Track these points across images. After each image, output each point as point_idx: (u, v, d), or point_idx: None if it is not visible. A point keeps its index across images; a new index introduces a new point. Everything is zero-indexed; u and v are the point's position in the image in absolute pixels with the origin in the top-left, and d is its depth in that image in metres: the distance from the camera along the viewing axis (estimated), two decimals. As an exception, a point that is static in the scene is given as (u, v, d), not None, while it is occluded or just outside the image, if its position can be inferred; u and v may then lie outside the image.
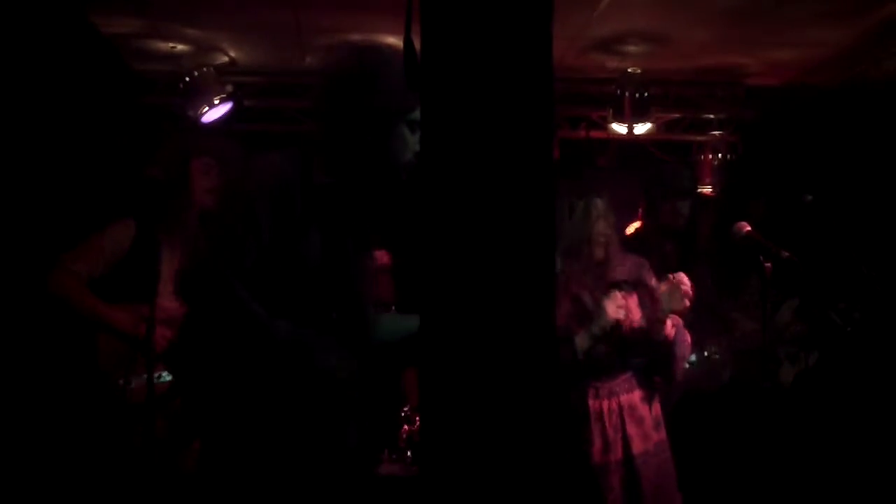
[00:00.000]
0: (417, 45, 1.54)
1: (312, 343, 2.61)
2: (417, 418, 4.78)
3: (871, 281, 4.17)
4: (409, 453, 4.81)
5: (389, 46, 2.77)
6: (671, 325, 3.57)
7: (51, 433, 4.72)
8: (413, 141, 2.66)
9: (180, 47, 5.66)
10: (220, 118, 5.89)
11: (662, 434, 3.76)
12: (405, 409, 4.92)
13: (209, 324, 2.61)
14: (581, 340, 3.56)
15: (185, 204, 4.22)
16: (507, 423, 1.47)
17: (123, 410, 4.02)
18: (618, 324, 3.56)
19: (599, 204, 3.75)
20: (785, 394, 4.39)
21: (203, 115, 5.84)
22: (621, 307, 3.56)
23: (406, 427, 4.87)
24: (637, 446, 3.64)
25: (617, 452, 3.62)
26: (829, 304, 4.32)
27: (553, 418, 1.49)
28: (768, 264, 3.42)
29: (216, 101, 5.85)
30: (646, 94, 5.99)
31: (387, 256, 5.33)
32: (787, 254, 3.42)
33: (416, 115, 2.62)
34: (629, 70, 5.93)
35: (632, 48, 5.64)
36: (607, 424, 3.64)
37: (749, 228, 3.58)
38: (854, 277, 4.21)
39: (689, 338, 3.67)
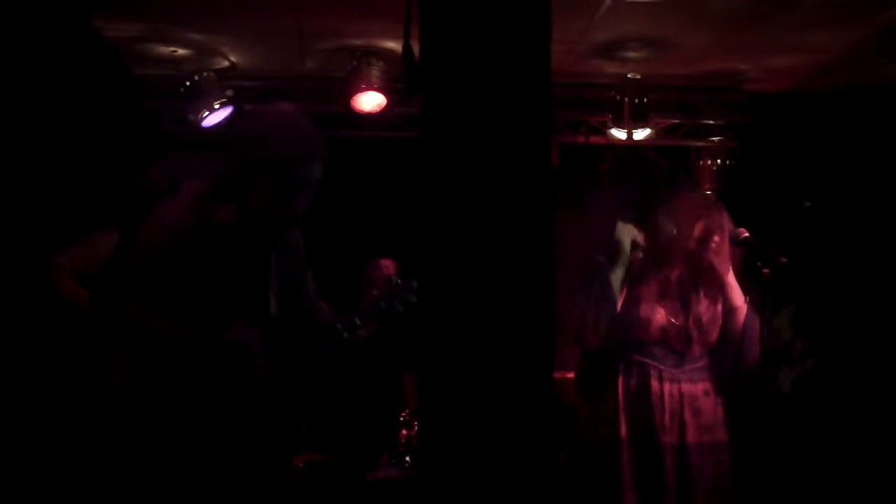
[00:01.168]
0: (416, 49, 1.54)
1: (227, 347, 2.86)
2: (416, 423, 4.78)
3: (869, 286, 4.17)
4: (407, 458, 4.82)
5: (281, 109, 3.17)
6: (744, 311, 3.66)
7: (61, 435, 4.71)
8: (295, 202, 2.89)
9: (181, 51, 5.66)
10: (221, 122, 5.89)
11: (723, 436, 3.81)
12: (404, 413, 4.93)
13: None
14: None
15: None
16: (504, 429, 1.47)
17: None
18: None
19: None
20: (784, 398, 4.39)
21: (203, 119, 5.84)
22: None
23: (404, 431, 4.87)
24: (692, 435, 3.71)
25: (673, 436, 3.70)
26: (823, 322, 4.33)
27: (549, 424, 1.49)
28: (766, 270, 3.43)
29: (216, 106, 5.84)
30: (645, 100, 5.99)
31: (393, 265, 5.34)
32: (784, 259, 3.43)
33: (296, 174, 2.87)
34: (629, 76, 5.93)
35: (631, 54, 5.65)
36: (666, 408, 3.72)
37: (747, 234, 3.59)
38: (852, 283, 4.21)
39: (757, 323, 3.70)
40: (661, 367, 3.75)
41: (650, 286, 3.75)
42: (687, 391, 3.76)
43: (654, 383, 3.74)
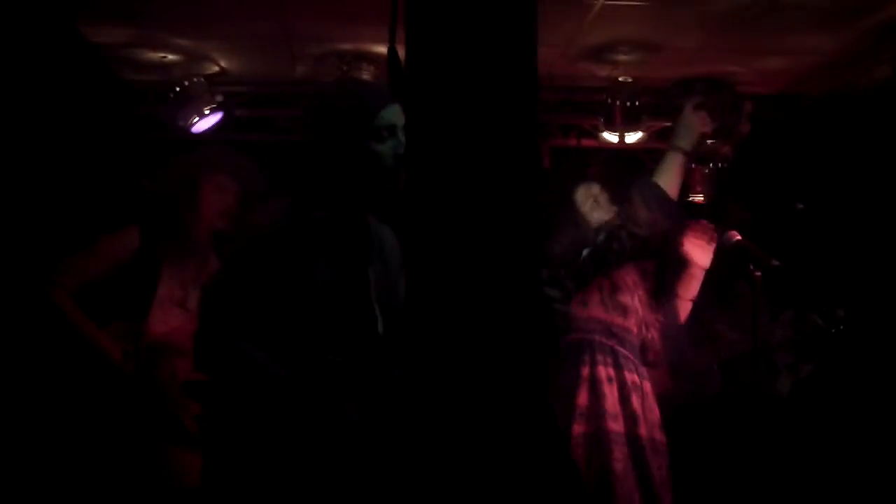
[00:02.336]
0: (402, 54, 1.53)
1: (332, 392, 2.64)
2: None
3: (862, 288, 4.17)
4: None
5: (345, 78, 2.89)
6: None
7: (65, 431, 4.68)
8: (385, 148, 2.69)
9: (170, 57, 5.64)
10: (210, 128, 5.87)
11: (664, 438, 3.72)
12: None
13: (232, 390, 2.68)
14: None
15: (192, 225, 4.08)
16: (490, 428, 1.47)
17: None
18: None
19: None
20: (779, 404, 4.39)
21: (193, 125, 5.82)
22: None
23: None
24: (643, 429, 3.60)
25: (620, 424, 3.57)
26: (811, 308, 4.32)
27: (537, 418, 1.49)
28: (758, 273, 3.42)
29: (206, 111, 5.83)
30: (637, 103, 5.98)
31: None
32: (776, 262, 3.42)
33: (380, 122, 2.70)
34: (620, 79, 5.93)
35: (622, 57, 5.64)
36: (608, 393, 3.61)
37: (739, 237, 3.58)
38: (845, 285, 4.21)
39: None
40: (600, 356, 3.67)
41: (629, 274, 3.71)
42: (630, 380, 3.70)
43: (586, 369, 3.65)
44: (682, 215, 3.58)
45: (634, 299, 3.70)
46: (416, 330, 1.50)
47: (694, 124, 3.44)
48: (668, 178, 3.75)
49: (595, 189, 3.76)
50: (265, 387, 2.58)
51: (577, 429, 3.59)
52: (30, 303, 3.95)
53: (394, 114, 2.68)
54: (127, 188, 4.53)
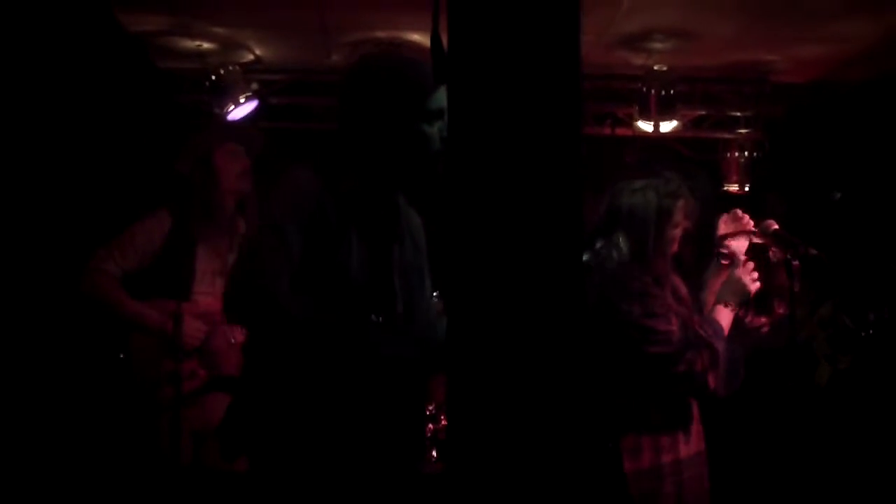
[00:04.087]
0: (444, 40, 1.53)
1: (375, 333, 2.63)
2: (442, 416, 4.77)
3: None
4: (433, 452, 4.81)
5: (396, 51, 2.81)
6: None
7: (80, 428, 4.76)
8: (433, 130, 2.66)
9: (206, 45, 5.68)
10: (246, 116, 5.91)
11: (703, 444, 3.40)
12: (430, 406, 4.92)
13: (267, 340, 2.64)
14: None
15: (216, 195, 4.23)
16: (534, 423, 1.46)
17: (153, 408, 4.05)
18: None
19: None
20: (814, 393, 4.36)
21: (229, 112, 5.86)
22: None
23: (430, 425, 4.87)
24: (683, 449, 3.27)
25: (668, 454, 3.24)
26: (845, 307, 4.28)
27: (581, 417, 1.48)
28: (796, 262, 3.38)
29: (242, 100, 5.87)
30: (671, 92, 5.96)
31: None
32: (815, 251, 3.38)
33: (432, 105, 2.64)
34: (655, 67, 5.90)
35: (657, 45, 5.61)
36: None
37: (776, 226, 3.54)
38: (883, 275, 4.17)
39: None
40: None
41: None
42: None
43: None
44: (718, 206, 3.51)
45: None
46: (457, 319, 1.50)
47: (745, 282, 3.38)
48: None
49: None
50: (312, 334, 2.54)
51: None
52: (74, 289, 4.07)
53: (444, 96, 2.64)
54: (163, 175, 4.58)
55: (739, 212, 3.43)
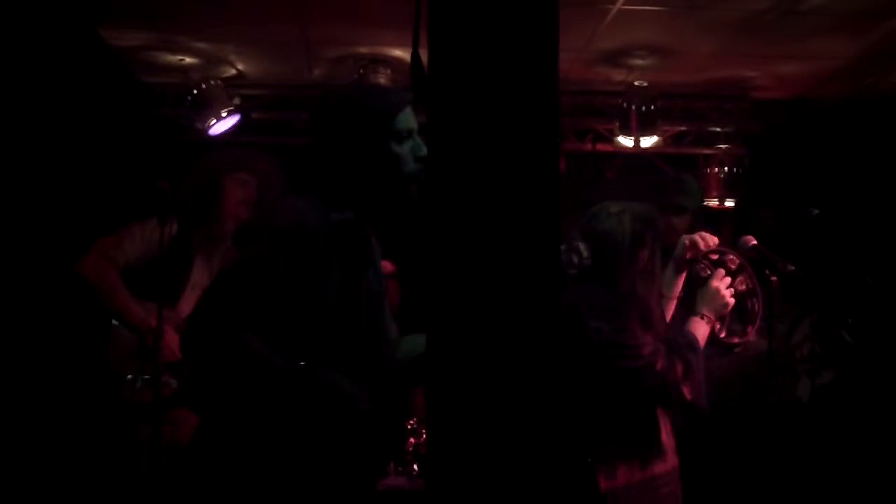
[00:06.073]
0: (424, 57, 1.54)
1: (330, 383, 2.61)
2: (423, 431, 4.77)
3: (878, 294, 4.15)
4: (415, 466, 4.81)
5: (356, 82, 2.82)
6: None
7: (57, 425, 4.75)
8: (404, 150, 2.69)
9: (188, 60, 5.68)
10: (228, 131, 5.90)
11: (677, 461, 3.34)
12: (411, 421, 4.92)
13: (218, 372, 2.64)
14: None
15: (219, 217, 4.30)
16: (513, 435, 1.47)
17: (129, 407, 4.07)
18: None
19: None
20: (799, 408, 4.37)
21: (210, 127, 5.85)
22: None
23: (412, 440, 4.86)
24: (658, 466, 3.24)
25: (642, 471, 3.20)
26: (839, 323, 4.29)
27: (560, 429, 1.49)
28: (774, 278, 3.40)
29: (224, 114, 5.86)
30: (652, 107, 5.98)
31: (391, 265, 5.34)
32: (792, 268, 3.40)
33: (398, 125, 2.68)
34: (636, 83, 5.93)
35: (638, 61, 5.65)
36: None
37: (755, 242, 3.56)
38: (860, 291, 4.19)
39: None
40: None
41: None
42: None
43: None
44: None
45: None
46: (436, 334, 1.50)
47: (723, 294, 3.38)
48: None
49: None
50: (261, 377, 2.53)
51: None
52: (74, 276, 4.11)
53: (411, 117, 2.69)
54: (143, 188, 4.59)
55: (706, 234, 3.43)
